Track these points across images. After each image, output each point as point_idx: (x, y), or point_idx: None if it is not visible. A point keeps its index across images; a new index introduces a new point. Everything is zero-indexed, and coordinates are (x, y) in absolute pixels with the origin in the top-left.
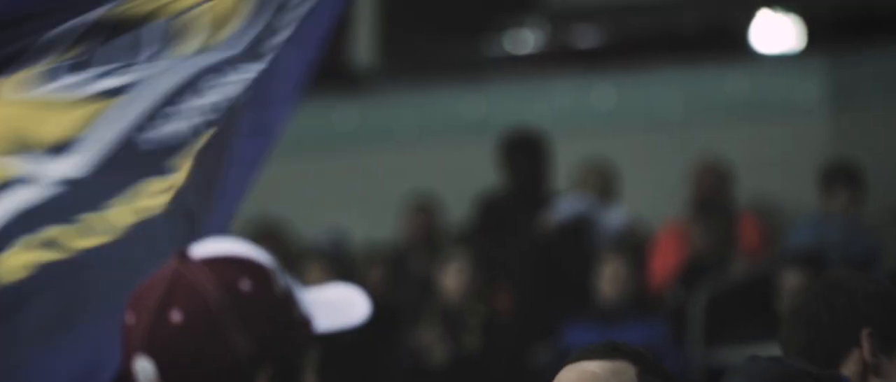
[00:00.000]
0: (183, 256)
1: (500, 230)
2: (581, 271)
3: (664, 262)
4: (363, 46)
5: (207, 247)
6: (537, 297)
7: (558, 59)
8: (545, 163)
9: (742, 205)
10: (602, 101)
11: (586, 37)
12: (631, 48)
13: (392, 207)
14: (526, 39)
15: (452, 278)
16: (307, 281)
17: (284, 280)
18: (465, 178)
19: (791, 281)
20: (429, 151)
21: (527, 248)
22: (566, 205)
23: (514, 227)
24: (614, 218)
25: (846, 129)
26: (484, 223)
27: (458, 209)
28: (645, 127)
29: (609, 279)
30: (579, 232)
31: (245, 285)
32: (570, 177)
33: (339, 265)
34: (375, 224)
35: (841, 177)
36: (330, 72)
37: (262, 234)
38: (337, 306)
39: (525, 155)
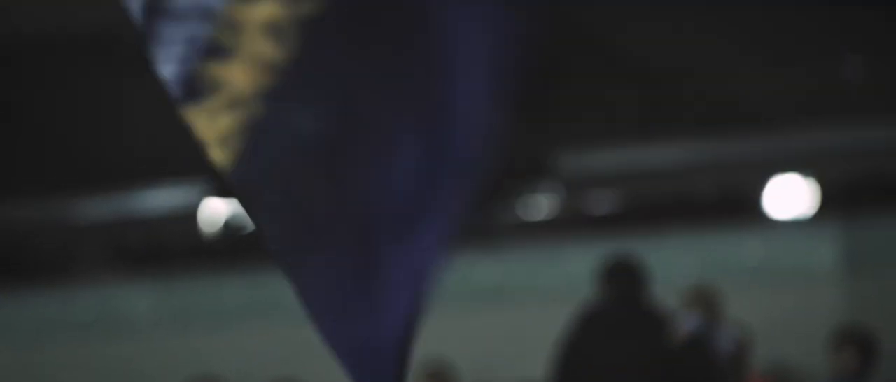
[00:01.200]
0: None
1: (606, 340)
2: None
3: None
4: None
5: None
6: None
7: (572, 225)
8: (645, 279)
9: (757, 371)
10: None
11: (600, 203)
12: (645, 214)
13: None
14: (540, 206)
15: None
16: None
17: None
18: (480, 344)
19: None
20: (443, 317)
21: (649, 358)
22: (684, 321)
23: (623, 339)
24: (725, 337)
25: (861, 294)
26: (586, 334)
27: (471, 374)
28: (660, 292)
29: None
30: (704, 344)
31: None
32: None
33: None
34: None
35: (850, 339)
36: None
37: None
38: None
39: (625, 271)
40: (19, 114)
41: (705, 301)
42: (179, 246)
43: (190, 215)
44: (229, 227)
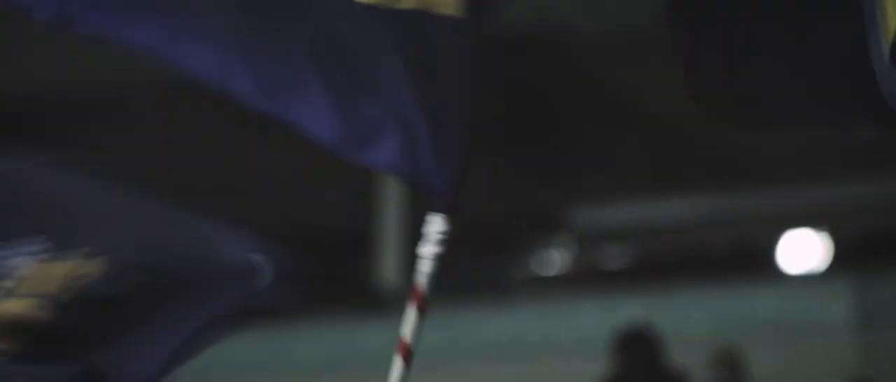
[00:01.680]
0: None
1: None
2: None
3: None
4: (389, 268)
5: None
6: None
7: (585, 279)
8: (661, 344)
9: None
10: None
11: (613, 258)
12: (658, 268)
13: None
14: (553, 260)
15: None
16: None
17: None
18: None
19: None
20: (457, 371)
21: None
22: (705, 377)
23: None
24: None
25: (874, 350)
26: None
27: None
28: (673, 347)
29: None
30: None
31: None
32: None
33: None
34: None
35: None
36: (357, 294)
37: None
38: None
39: (642, 339)
40: None
41: (728, 361)
42: None
43: None
44: None
